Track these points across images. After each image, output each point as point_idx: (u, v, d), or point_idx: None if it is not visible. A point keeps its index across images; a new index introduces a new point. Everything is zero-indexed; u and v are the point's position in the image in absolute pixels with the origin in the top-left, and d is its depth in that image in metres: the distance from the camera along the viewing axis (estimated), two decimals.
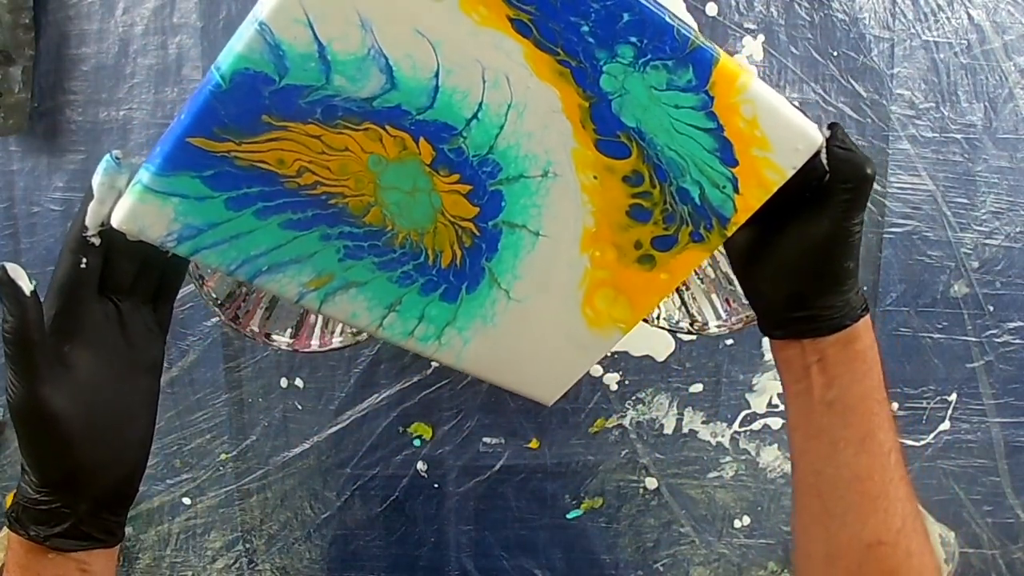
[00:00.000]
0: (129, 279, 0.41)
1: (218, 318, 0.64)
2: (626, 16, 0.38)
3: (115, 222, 0.38)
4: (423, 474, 0.69)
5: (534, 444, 0.69)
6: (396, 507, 0.70)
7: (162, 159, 0.37)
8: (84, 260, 0.39)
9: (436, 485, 0.69)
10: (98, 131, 0.63)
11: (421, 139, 0.39)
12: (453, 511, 0.70)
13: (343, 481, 0.69)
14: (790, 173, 0.42)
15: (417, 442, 0.68)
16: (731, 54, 0.62)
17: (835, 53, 0.63)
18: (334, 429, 0.68)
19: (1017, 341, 0.67)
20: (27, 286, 0.38)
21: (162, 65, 0.62)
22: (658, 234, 0.43)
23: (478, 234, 0.42)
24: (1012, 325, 0.67)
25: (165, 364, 0.67)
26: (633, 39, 0.39)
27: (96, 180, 0.38)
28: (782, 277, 0.44)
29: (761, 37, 0.62)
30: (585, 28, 0.38)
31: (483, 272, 0.43)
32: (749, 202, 0.43)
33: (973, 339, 0.67)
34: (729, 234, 0.44)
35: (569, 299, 0.45)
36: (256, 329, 0.56)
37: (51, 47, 0.62)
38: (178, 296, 0.66)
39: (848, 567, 0.41)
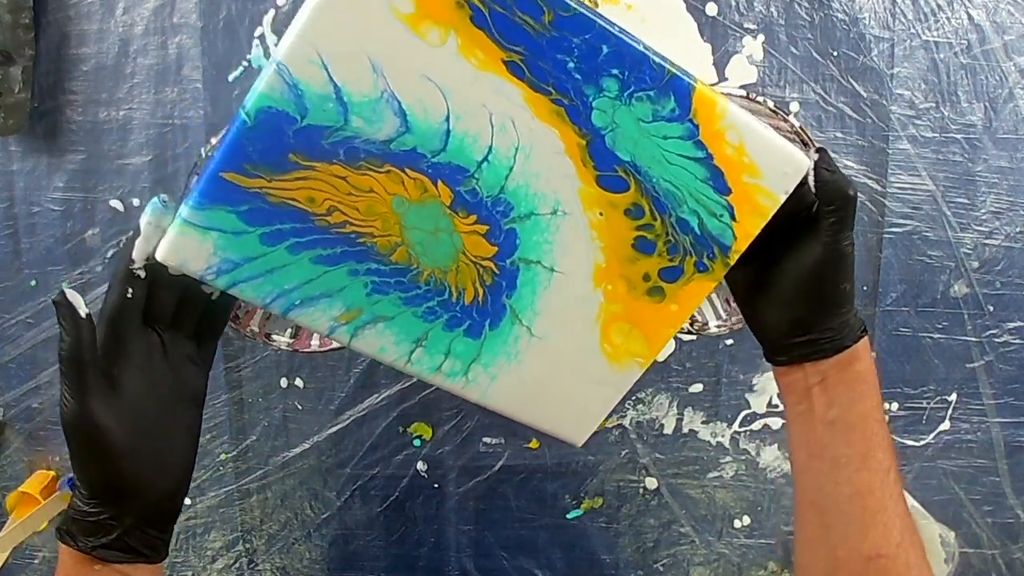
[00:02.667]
0: (171, 312, 0.44)
1: None
2: (605, 48, 0.41)
3: (159, 255, 0.40)
4: (423, 474, 0.69)
5: (534, 444, 0.69)
6: (396, 507, 0.70)
7: (199, 193, 0.39)
8: (130, 291, 0.42)
9: (436, 485, 0.69)
10: (98, 131, 0.63)
11: (439, 181, 0.42)
12: (453, 511, 0.70)
13: (343, 481, 0.69)
14: (783, 197, 0.44)
15: (417, 442, 0.68)
16: (731, 54, 0.62)
17: (835, 53, 0.63)
18: (334, 429, 0.68)
19: (1017, 341, 0.67)
20: (83, 310, 0.41)
21: (162, 65, 0.62)
22: (664, 265, 0.45)
23: (498, 272, 0.44)
24: (1012, 325, 0.67)
25: None
26: (615, 71, 0.41)
27: (143, 219, 0.41)
28: (782, 304, 0.45)
29: (761, 37, 0.62)
30: (571, 64, 0.41)
31: (505, 309, 0.45)
32: (747, 229, 0.44)
33: (973, 339, 0.67)
34: (732, 262, 0.45)
35: (588, 334, 0.46)
36: (256, 329, 0.56)
37: (51, 47, 0.62)
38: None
39: None
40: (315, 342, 0.56)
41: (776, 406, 0.68)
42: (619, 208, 0.44)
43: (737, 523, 0.71)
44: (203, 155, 0.52)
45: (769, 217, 0.44)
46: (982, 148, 0.64)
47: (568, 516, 0.70)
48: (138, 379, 0.42)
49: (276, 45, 0.61)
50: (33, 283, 0.66)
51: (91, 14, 0.62)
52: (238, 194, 0.40)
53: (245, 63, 0.62)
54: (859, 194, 0.59)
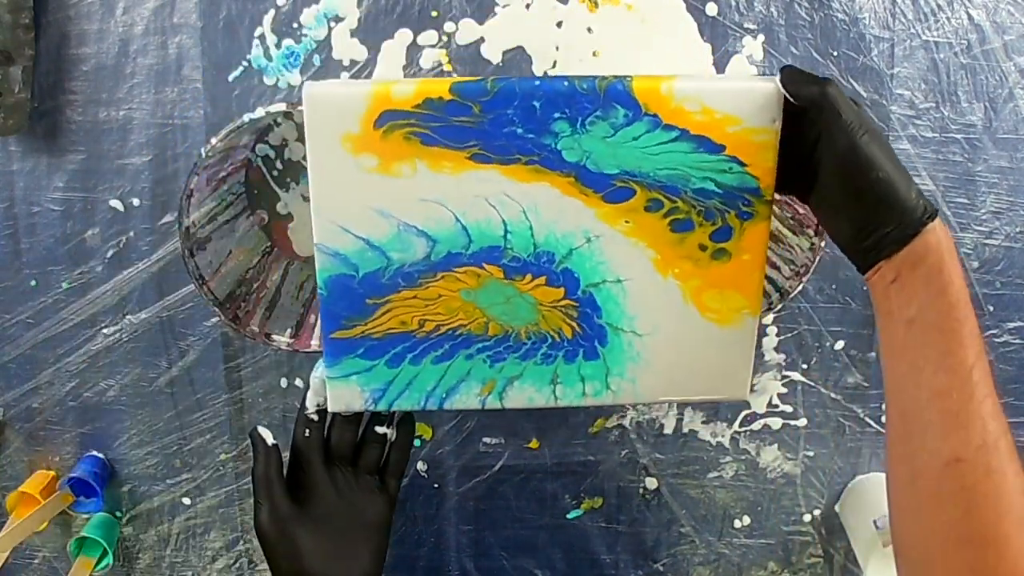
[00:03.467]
0: (349, 451, 0.55)
1: (218, 318, 0.64)
2: (536, 103, 0.45)
3: (330, 408, 0.51)
4: (423, 474, 0.69)
5: (534, 444, 0.69)
6: (396, 507, 0.70)
7: (326, 355, 0.50)
8: (307, 431, 0.53)
9: (436, 485, 0.69)
10: (98, 131, 0.63)
11: (484, 265, 0.48)
12: (453, 511, 0.70)
13: None
14: (777, 126, 0.46)
15: (417, 442, 0.68)
16: (731, 54, 0.62)
17: (835, 53, 0.63)
18: None
19: (1017, 341, 0.67)
20: (270, 440, 0.53)
21: (162, 65, 0.62)
22: (710, 231, 0.48)
23: (577, 304, 0.49)
24: (1012, 325, 0.67)
25: (165, 364, 0.67)
26: (557, 115, 0.45)
27: (313, 376, 0.52)
28: (836, 213, 0.45)
29: (761, 37, 0.62)
30: (519, 130, 0.46)
31: (603, 328, 0.50)
32: (763, 166, 0.47)
33: None
34: (770, 198, 0.47)
35: (686, 314, 0.50)
36: (256, 329, 0.56)
37: (51, 47, 0.62)
38: (178, 295, 0.66)
39: (928, 486, 0.41)
40: (315, 342, 0.56)
41: (776, 406, 0.68)
42: (638, 210, 0.47)
43: (737, 523, 0.71)
44: (203, 155, 0.52)
45: (776, 146, 0.46)
46: (982, 148, 0.64)
47: (568, 516, 0.70)
48: (321, 505, 0.52)
49: (276, 45, 0.62)
50: (33, 283, 0.66)
51: (91, 14, 0.62)
52: (350, 344, 0.49)
53: (245, 63, 0.62)
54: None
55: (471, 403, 0.51)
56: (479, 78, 0.45)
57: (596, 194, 0.47)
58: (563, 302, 0.49)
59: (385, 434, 0.55)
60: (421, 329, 0.49)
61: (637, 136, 0.46)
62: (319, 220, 0.47)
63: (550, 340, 0.50)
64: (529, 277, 0.49)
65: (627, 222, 0.48)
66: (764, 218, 0.48)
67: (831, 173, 0.43)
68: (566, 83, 0.45)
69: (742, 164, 0.46)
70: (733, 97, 0.45)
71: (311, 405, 0.52)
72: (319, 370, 0.52)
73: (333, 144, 0.46)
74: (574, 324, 0.50)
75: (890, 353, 0.44)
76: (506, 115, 0.45)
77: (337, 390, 0.50)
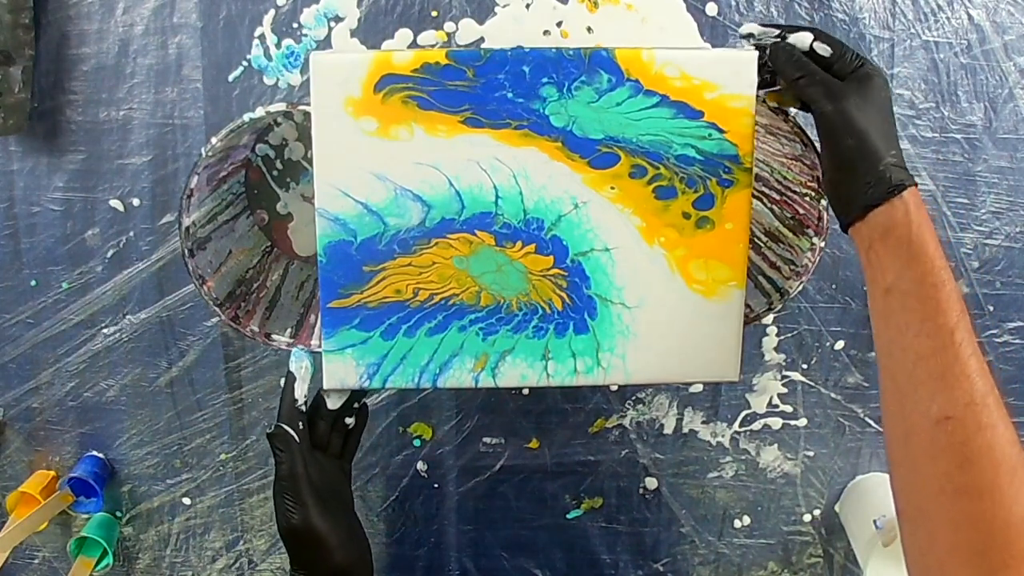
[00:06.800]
0: (326, 437, 0.55)
1: (218, 318, 0.64)
2: (526, 68, 0.47)
3: (326, 385, 0.51)
4: (423, 474, 0.69)
5: (534, 444, 0.69)
6: (396, 507, 0.70)
7: (324, 326, 0.50)
8: (300, 424, 0.52)
9: (436, 485, 0.69)
10: (98, 131, 0.63)
11: (476, 231, 0.49)
12: (453, 511, 0.70)
13: None
14: (752, 92, 0.48)
15: (417, 442, 0.68)
16: None
17: None
18: None
19: (1017, 341, 0.67)
20: (296, 436, 0.51)
21: (162, 65, 0.62)
22: (693, 199, 0.49)
23: (566, 274, 0.50)
24: (1012, 325, 0.67)
25: (165, 364, 0.67)
26: (544, 80, 0.47)
27: (292, 366, 0.52)
28: (823, 160, 0.48)
29: None
30: (509, 95, 0.47)
31: (592, 299, 0.50)
32: (741, 132, 0.49)
33: None
34: (749, 165, 0.49)
35: (673, 285, 0.50)
36: (256, 329, 0.56)
37: (51, 47, 0.62)
38: (178, 295, 0.67)
39: (921, 443, 0.42)
40: (315, 341, 0.56)
41: (776, 406, 0.68)
42: (623, 176, 0.49)
43: (737, 523, 0.71)
44: (203, 155, 0.52)
45: (752, 113, 0.48)
46: (982, 148, 0.64)
47: (568, 516, 0.70)
48: (325, 492, 0.51)
49: (276, 45, 0.62)
50: (33, 283, 0.66)
51: (91, 14, 0.62)
52: (347, 313, 0.50)
53: (245, 63, 0.62)
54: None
55: (464, 380, 0.51)
56: (474, 48, 0.46)
57: (582, 159, 0.48)
58: (552, 271, 0.50)
59: (348, 424, 0.56)
60: (415, 298, 0.50)
61: (620, 101, 0.48)
62: (321, 184, 0.48)
63: (541, 312, 0.50)
64: (520, 244, 0.49)
65: (613, 188, 0.49)
66: (745, 186, 0.49)
67: (818, 128, 0.47)
68: (554, 51, 0.47)
69: (720, 131, 0.48)
70: (710, 64, 0.48)
71: (300, 395, 0.52)
72: (297, 358, 0.52)
73: (336, 108, 0.47)
74: (564, 295, 0.50)
75: (876, 319, 0.46)
76: (498, 79, 0.47)
77: (334, 365, 0.50)
